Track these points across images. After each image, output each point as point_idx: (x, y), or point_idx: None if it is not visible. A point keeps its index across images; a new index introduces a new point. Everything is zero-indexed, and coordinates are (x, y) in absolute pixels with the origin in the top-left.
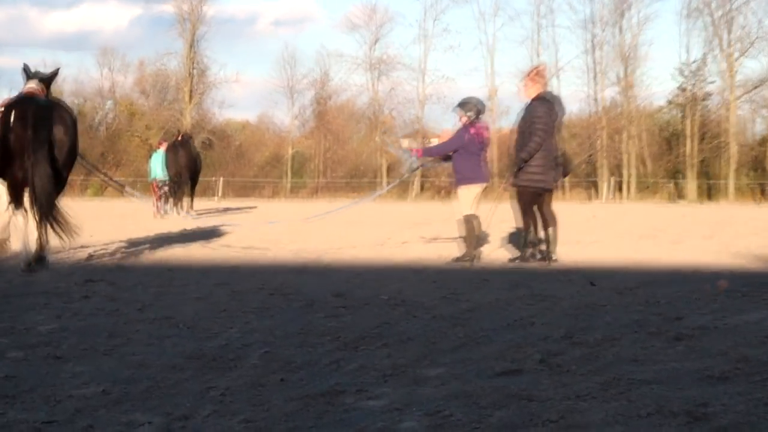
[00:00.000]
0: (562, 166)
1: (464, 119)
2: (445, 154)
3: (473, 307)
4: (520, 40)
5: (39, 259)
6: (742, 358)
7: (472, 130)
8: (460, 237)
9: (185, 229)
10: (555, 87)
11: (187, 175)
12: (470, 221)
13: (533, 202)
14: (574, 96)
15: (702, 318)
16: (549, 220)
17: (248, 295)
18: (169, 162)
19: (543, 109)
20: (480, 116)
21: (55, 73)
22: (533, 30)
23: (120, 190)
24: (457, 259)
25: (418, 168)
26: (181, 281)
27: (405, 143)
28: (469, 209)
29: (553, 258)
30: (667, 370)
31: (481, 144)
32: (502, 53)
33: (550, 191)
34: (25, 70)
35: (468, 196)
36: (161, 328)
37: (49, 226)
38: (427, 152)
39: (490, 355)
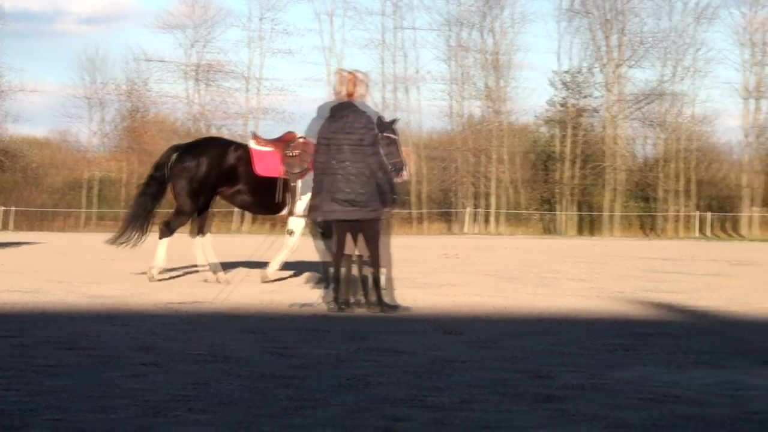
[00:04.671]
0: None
1: None
2: None
3: (304, 363)
4: (366, 44)
5: None
6: (615, 423)
7: None
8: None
9: None
10: (409, 99)
11: None
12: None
13: (337, 232)
14: (433, 110)
15: (572, 376)
16: (371, 259)
17: (33, 348)
18: None
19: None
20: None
21: None
22: (383, 32)
23: None
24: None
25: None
26: None
27: None
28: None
29: (371, 305)
30: None
31: None
32: (346, 59)
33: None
34: None
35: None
36: None
37: None
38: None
39: (323, 420)
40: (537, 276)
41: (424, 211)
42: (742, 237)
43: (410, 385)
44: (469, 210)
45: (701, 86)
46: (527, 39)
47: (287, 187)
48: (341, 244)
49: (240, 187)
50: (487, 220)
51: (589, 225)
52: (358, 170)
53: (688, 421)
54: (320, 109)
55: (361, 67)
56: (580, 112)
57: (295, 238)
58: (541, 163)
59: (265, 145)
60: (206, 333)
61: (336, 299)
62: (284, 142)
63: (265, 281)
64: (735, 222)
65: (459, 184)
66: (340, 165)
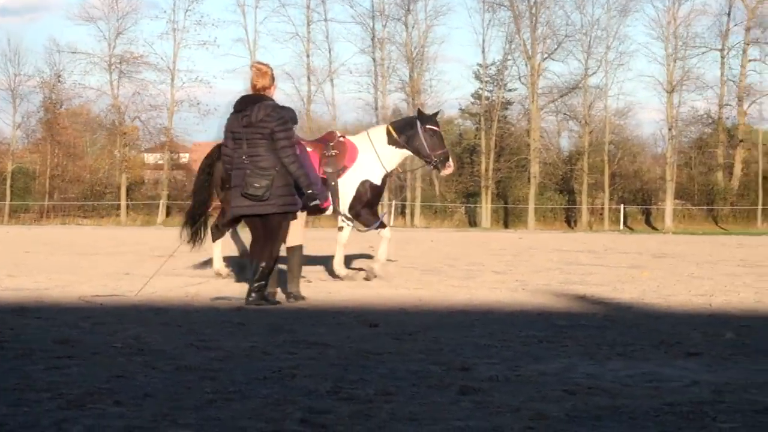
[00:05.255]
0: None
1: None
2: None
3: (225, 356)
4: (287, 37)
5: None
6: (537, 414)
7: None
8: (288, 269)
9: None
10: (329, 92)
11: None
12: (300, 252)
13: (250, 228)
14: (353, 103)
15: (492, 368)
16: (260, 254)
17: None
18: None
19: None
20: None
21: None
22: (303, 24)
23: None
24: (291, 297)
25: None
26: None
27: (150, 158)
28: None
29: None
30: (450, 430)
31: None
32: (266, 51)
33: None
34: None
35: (303, 221)
36: None
37: None
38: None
39: (243, 413)
40: (459, 268)
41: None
42: (661, 229)
43: (333, 377)
44: (388, 203)
45: (623, 79)
46: (450, 32)
47: (327, 186)
48: (256, 239)
49: None
50: (403, 214)
51: (511, 218)
52: (267, 164)
53: (609, 412)
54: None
55: (284, 59)
56: (502, 105)
57: (345, 233)
58: (466, 156)
59: (307, 146)
60: (128, 326)
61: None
62: (324, 142)
63: (341, 277)
64: (656, 214)
65: None
66: (248, 159)
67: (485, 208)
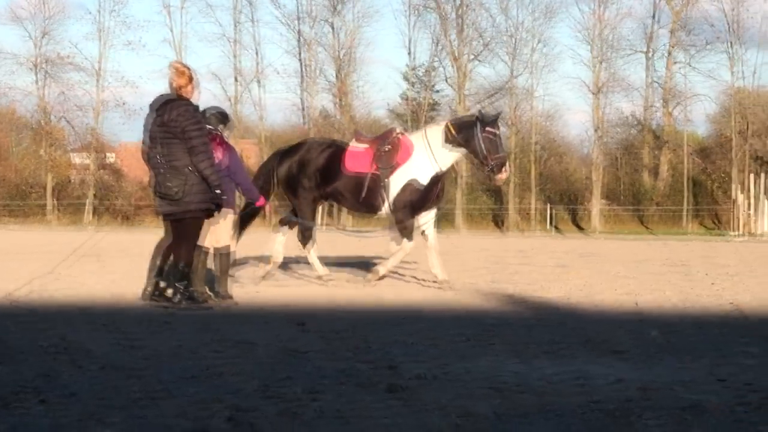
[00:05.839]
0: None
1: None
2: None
3: (151, 355)
4: (214, 38)
5: None
6: (465, 413)
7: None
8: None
9: None
10: (256, 93)
11: None
12: (228, 252)
13: (171, 227)
14: (281, 104)
15: (419, 366)
16: (177, 254)
17: None
18: None
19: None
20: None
21: None
22: (230, 25)
23: None
24: (220, 298)
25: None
26: None
27: (77, 159)
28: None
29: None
30: (377, 428)
31: None
32: (193, 52)
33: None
34: None
35: (232, 222)
36: None
37: None
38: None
39: (169, 412)
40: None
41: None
42: (588, 230)
43: (261, 376)
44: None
45: (549, 81)
46: (378, 34)
47: (379, 184)
48: (174, 238)
49: (335, 185)
50: (330, 214)
51: (439, 219)
52: (180, 164)
53: (536, 410)
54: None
55: (211, 60)
56: (430, 106)
57: (432, 236)
58: None
59: (363, 143)
60: (55, 325)
61: (180, 291)
62: (381, 138)
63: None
64: (583, 215)
65: None
66: (162, 159)
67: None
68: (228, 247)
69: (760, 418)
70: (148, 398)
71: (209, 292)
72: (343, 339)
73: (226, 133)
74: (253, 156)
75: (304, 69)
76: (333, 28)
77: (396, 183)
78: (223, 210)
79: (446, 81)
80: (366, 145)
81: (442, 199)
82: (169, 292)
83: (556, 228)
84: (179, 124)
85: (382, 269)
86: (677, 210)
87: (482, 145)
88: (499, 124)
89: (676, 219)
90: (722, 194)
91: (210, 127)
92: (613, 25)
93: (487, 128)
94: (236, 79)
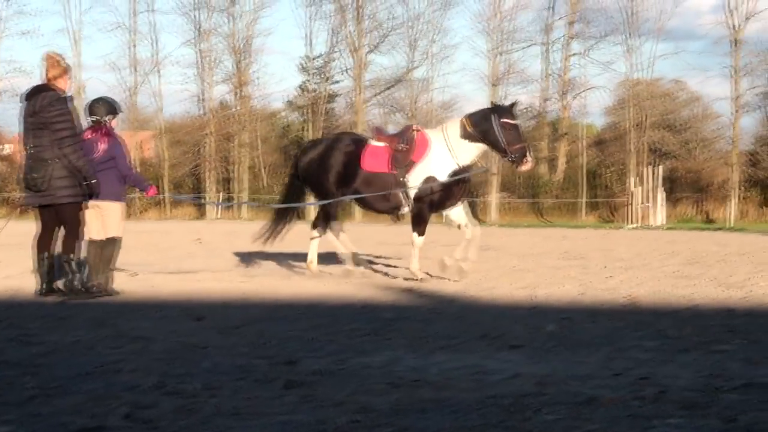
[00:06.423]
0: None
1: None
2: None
3: (47, 350)
4: (111, 28)
5: None
6: (362, 408)
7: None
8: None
9: None
10: (155, 83)
11: None
12: (113, 244)
13: (41, 219)
14: (180, 94)
15: (317, 362)
16: (63, 247)
17: None
18: None
19: None
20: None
21: None
22: (127, 15)
23: None
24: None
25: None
26: None
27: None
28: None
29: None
30: (274, 425)
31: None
32: (90, 41)
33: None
34: None
35: (119, 213)
36: None
37: None
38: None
39: (65, 409)
40: (285, 262)
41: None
42: (486, 222)
43: (158, 372)
44: (217, 195)
45: (448, 72)
46: (276, 24)
47: (397, 183)
48: (44, 230)
49: (354, 184)
50: (230, 207)
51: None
52: (47, 155)
53: (434, 405)
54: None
55: (109, 50)
56: (328, 97)
57: (469, 231)
58: (292, 148)
59: (382, 141)
60: None
61: (70, 283)
62: (399, 136)
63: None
64: (481, 207)
65: (207, 169)
66: (32, 149)
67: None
68: (115, 238)
69: (654, 412)
70: (44, 395)
71: (98, 284)
72: (240, 334)
73: (114, 123)
74: (151, 147)
75: (202, 59)
76: (231, 18)
77: (414, 180)
78: (110, 202)
79: (345, 72)
80: (384, 144)
81: (466, 193)
82: (60, 284)
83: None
84: (47, 114)
85: (414, 267)
86: (575, 202)
87: (501, 136)
88: (515, 113)
89: (574, 211)
90: (619, 186)
91: (97, 117)
92: (511, 16)
93: (503, 119)
94: (134, 70)
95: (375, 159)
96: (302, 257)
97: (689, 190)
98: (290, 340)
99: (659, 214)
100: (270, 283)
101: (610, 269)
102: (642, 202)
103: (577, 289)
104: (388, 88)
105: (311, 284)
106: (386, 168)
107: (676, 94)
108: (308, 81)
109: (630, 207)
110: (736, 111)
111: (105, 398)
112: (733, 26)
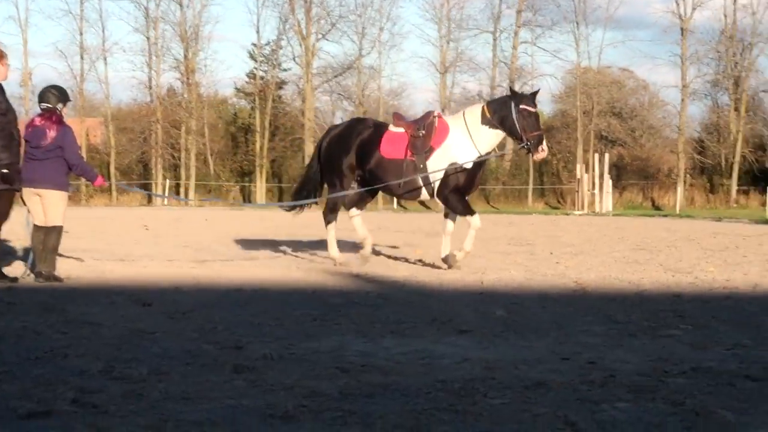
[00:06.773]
0: None
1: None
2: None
3: None
4: (60, 15)
5: None
6: (311, 392)
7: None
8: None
9: None
10: (102, 70)
11: None
12: (56, 232)
13: None
14: (128, 82)
15: (265, 346)
16: None
17: None
18: None
19: None
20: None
21: None
22: (75, 2)
23: None
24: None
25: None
26: None
27: None
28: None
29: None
30: (223, 409)
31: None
32: (38, 29)
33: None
34: None
35: (60, 201)
36: None
37: None
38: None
39: (13, 394)
40: (233, 247)
41: (124, 182)
42: (434, 208)
43: (106, 357)
44: (163, 182)
45: (397, 60)
46: (225, 11)
47: (416, 169)
48: None
49: (370, 168)
50: (178, 192)
51: (286, 197)
52: None
53: (382, 389)
54: None
55: (57, 37)
56: (277, 84)
57: (474, 218)
58: (241, 135)
59: (400, 127)
60: None
61: None
62: (418, 122)
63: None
64: None
65: (155, 156)
66: None
67: (260, 186)
68: (57, 226)
69: (602, 396)
70: None
71: (45, 270)
72: (188, 319)
73: (65, 111)
74: (98, 134)
75: (150, 46)
76: (180, 5)
77: (434, 167)
78: (52, 191)
79: (294, 59)
80: (403, 129)
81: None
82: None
83: (400, 205)
84: None
85: (467, 246)
86: (522, 188)
87: (517, 124)
88: (535, 101)
89: (521, 197)
90: (567, 173)
91: (49, 105)
92: (460, 4)
93: (522, 106)
94: (82, 57)
95: (393, 145)
96: (256, 244)
97: (636, 177)
98: (239, 325)
99: (606, 200)
100: (218, 268)
101: (557, 255)
102: (589, 189)
103: (524, 274)
104: (337, 76)
105: (260, 270)
106: (404, 154)
107: (624, 82)
108: (257, 68)
109: (578, 194)
110: (684, 99)
111: (53, 383)
112: (681, 15)
